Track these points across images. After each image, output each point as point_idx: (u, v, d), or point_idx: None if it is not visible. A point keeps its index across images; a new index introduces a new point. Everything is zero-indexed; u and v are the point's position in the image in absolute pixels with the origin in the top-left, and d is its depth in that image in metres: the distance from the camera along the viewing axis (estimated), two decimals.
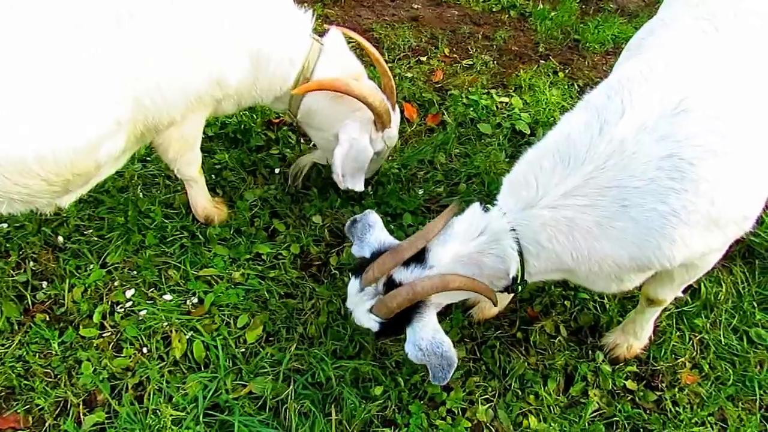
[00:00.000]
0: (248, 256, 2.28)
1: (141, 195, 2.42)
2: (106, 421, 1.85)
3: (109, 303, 2.11)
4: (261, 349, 2.04)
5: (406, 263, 1.56)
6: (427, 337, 1.52)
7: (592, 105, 1.55)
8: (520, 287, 1.62)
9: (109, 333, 2.06)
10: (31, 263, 2.20)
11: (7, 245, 2.25)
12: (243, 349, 2.04)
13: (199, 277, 2.20)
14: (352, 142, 2.11)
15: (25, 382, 1.92)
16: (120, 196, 2.39)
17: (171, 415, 1.83)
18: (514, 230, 1.52)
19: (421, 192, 2.61)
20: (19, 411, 1.87)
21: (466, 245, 1.56)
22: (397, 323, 1.55)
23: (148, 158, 2.55)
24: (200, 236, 2.30)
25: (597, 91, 1.62)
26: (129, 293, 2.14)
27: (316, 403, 1.91)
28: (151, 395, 1.90)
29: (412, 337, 1.53)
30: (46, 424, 1.84)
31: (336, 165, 2.10)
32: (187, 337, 2.04)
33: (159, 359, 1.99)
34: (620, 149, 1.44)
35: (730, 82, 1.52)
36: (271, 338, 2.09)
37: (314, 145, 2.73)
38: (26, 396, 1.90)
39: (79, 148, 1.60)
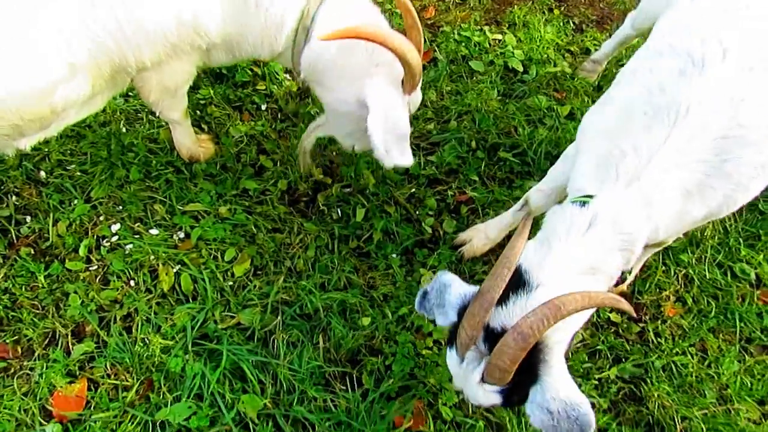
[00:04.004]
0: (235, 192, 2.25)
1: (124, 130, 2.36)
2: (95, 350, 1.86)
3: (95, 237, 2.09)
4: (249, 282, 2.04)
5: (502, 300, 1.24)
6: (560, 397, 1.18)
7: (681, 50, 1.38)
8: (628, 275, 1.42)
9: (96, 267, 2.05)
10: (14, 198, 2.17)
11: None
12: (231, 282, 2.04)
13: (185, 212, 2.17)
14: (386, 102, 1.69)
15: (13, 313, 1.92)
16: (102, 130, 2.33)
17: (160, 344, 1.85)
18: (630, 211, 1.32)
19: (411, 130, 2.56)
20: (7, 341, 1.87)
21: (576, 246, 1.29)
22: (523, 382, 1.22)
23: (131, 93, 2.47)
24: (186, 171, 2.26)
25: (678, 36, 1.44)
26: (114, 227, 2.12)
27: (304, 333, 1.93)
28: (140, 326, 1.91)
29: (539, 397, 1.20)
30: (35, 354, 1.86)
31: (377, 139, 1.65)
32: (175, 270, 2.04)
33: (146, 292, 1.99)
34: (726, 96, 1.30)
35: None
36: (258, 272, 2.09)
37: (297, 90, 2.66)
38: (14, 327, 1.90)
39: (25, 93, 1.50)
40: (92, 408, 1.75)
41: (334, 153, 2.43)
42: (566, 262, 1.28)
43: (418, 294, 1.40)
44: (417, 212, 2.30)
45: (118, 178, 2.21)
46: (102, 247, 2.08)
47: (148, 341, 1.85)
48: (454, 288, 1.35)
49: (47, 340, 1.90)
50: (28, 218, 2.14)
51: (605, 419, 1.90)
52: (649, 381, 1.98)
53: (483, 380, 1.22)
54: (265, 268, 2.10)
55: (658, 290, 2.17)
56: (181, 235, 2.14)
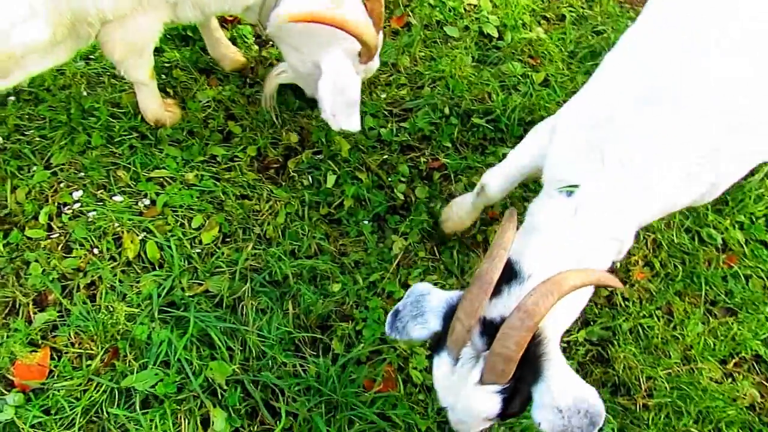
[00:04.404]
0: (202, 158, 2.19)
1: (85, 93, 2.27)
2: (58, 318, 1.82)
3: (56, 204, 2.02)
4: (217, 249, 2.00)
5: (495, 293, 1.15)
6: (568, 392, 1.08)
7: (678, 30, 1.30)
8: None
9: (57, 234, 1.99)
10: None
11: None
12: (198, 250, 2.00)
13: (150, 178, 2.11)
14: (338, 73, 1.82)
15: None
16: (62, 93, 2.24)
17: (125, 312, 1.81)
18: (617, 198, 1.24)
19: (384, 96, 2.52)
20: None
21: (565, 237, 1.22)
22: (521, 384, 1.12)
23: (92, 56, 2.38)
24: (151, 137, 2.19)
25: (676, 15, 1.36)
26: (76, 194, 2.05)
27: (273, 299, 1.91)
28: (104, 294, 1.86)
29: (546, 398, 1.09)
30: None
31: (325, 102, 1.80)
32: (140, 238, 1.99)
33: (111, 260, 1.95)
34: (725, 82, 1.22)
35: None
36: (227, 239, 2.05)
37: (269, 42, 2.59)
38: None
39: None
40: (55, 377, 1.72)
41: (305, 119, 2.38)
42: (556, 253, 1.22)
43: (389, 315, 1.26)
44: (389, 179, 2.28)
45: (79, 144, 2.13)
46: (63, 215, 2.01)
47: (112, 309, 1.81)
48: (435, 295, 1.24)
49: (8, 309, 1.85)
50: None
51: None
52: (616, 343, 2.01)
53: (482, 381, 1.10)
54: (233, 235, 2.06)
55: (627, 255, 2.19)
56: (147, 202, 2.08)
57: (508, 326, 1.05)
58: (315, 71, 1.85)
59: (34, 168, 2.09)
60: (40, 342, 1.78)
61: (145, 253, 1.96)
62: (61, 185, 2.07)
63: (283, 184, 2.21)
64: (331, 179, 2.19)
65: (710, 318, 2.13)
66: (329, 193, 2.18)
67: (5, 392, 1.67)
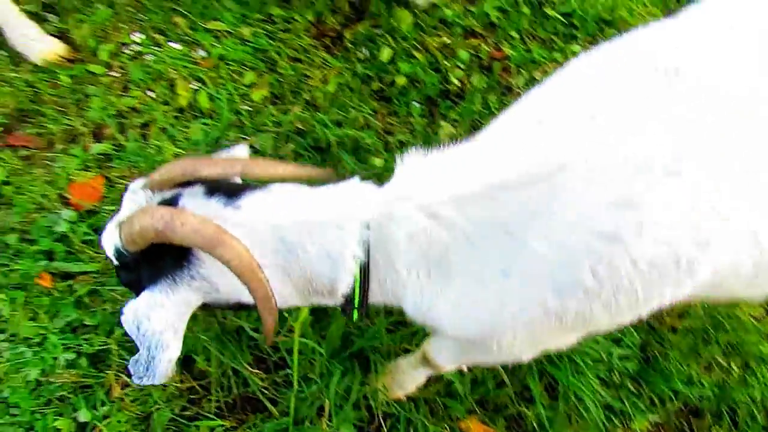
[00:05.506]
0: (259, 16, 2.15)
1: None
2: (112, 151, 1.91)
3: (116, 44, 2.06)
4: (265, 109, 2.02)
5: (213, 191, 0.98)
6: (155, 326, 0.94)
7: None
8: (356, 314, 1.04)
9: (117, 74, 2.04)
10: None
11: None
12: (247, 107, 2.02)
13: (207, 29, 2.11)
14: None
15: (36, 107, 1.96)
16: None
17: (174, 153, 1.88)
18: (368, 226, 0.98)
19: None
20: (31, 132, 1.93)
21: (295, 215, 0.98)
22: (138, 271, 0.99)
23: None
24: None
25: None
26: (135, 36, 2.08)
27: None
28: (156, 135, 1.93)
29: (141, 307, 0.96)
30: (56, 147, 1.92)
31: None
32: (194, 87, 2.02)
33: (164, 104, 2.00)
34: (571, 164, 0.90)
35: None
36: (276, 100, 2.06)
37: None
38: (37, 120, 1.95)
39: None
40: (107, 203, 1.84)
41: None
42: (278, 219, 0.97)
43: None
44: (446, 63, 2.18)
45: None
46: (123, 54, 2.05)
47: (163, 149, 1.89)
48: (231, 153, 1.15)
49: (68, 138, 1.95)
50: (51, 16, 2.11)
51: None
52: None
53: (118, 227, 0.97)
54: (283, 97, 2.06)
55: None
56: (203, 53, 2.09)
57: (146, 210, 0.92)
58: None
59: (99, 6, 2.11)
60: (95, 170, 1.89)
61: (196, 101, 2.00)
62: (122, 25, 2.09)
63: (338, 54, 2.16)
64: (386, 54, 2.13)
65: None
66: (383, 69, 2.13)
67: (61, 209, 1.80)
